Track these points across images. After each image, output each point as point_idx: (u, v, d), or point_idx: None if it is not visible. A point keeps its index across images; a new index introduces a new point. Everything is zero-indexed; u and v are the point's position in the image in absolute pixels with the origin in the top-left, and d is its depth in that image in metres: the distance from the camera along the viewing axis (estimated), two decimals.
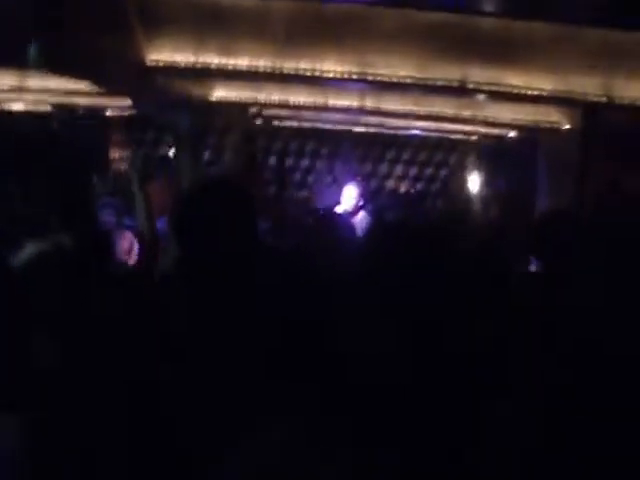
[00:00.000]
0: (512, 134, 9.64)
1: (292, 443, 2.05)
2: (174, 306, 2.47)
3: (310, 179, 11.34)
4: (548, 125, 8.22)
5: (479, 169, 10.66)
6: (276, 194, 9.35)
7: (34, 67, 6.83)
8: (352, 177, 8.87)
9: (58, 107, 8.77)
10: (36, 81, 7.55)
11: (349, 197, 7.71)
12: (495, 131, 9.73)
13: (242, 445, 2.06)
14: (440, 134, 10.60)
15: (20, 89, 7.95)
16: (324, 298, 2.58)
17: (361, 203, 7.73)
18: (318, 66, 6.06)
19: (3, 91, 8.17)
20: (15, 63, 6.75)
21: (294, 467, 2.02)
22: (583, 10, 5.00)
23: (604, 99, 6.34)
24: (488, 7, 5.29)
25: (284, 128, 10.22)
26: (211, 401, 2.15)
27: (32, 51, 6.18)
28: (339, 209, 7.40)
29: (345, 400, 2.15)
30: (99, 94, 8.03)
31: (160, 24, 5.88)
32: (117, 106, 8.82)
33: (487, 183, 10.50)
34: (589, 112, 7.21)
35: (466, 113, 8.23)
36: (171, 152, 7.59)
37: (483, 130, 9.84)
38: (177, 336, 2.34)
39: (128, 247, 5.78)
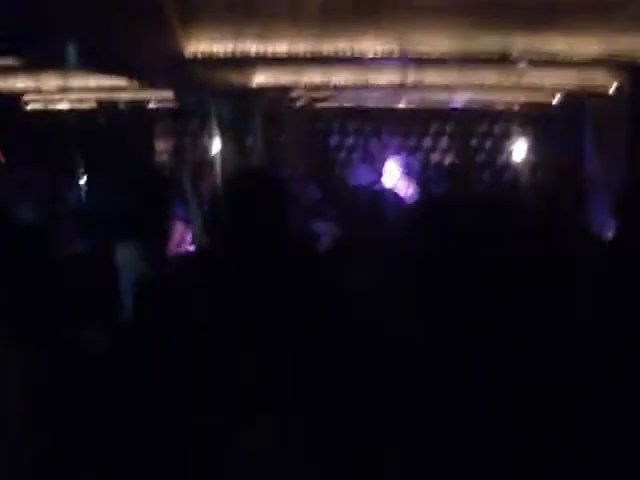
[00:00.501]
0: (557, 100, 9.48)
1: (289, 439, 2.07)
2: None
3: (355, 157, 11.29)
4: (594, 89, 8.06)
5: (525, 138, 10.51)
6: (323, 173, 9.35)
7: (75, 67, 6.93)
8: (395, 152, 8.80)
9: (102, 104, 8.88)
10: (78, 80, 7.63)
11: (392, 172, 7.65)
12: (540, 98, 9.58)
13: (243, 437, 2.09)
14: (484, 105, 10.48)
15: (64, 89, 8.05)
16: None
17: (406, 177, 7.67)
18: (356, 46, 6.01)
19: (49, 92, 8.29)
20: (58, 64, 6.84)
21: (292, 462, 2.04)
22: None
23: None
24: None
25: (327, 109, 10.19)
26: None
27: (72, 52, 6.25)
28: (385, 185, 7.35)
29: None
30: (141, 88, 8.11)
31: (196, 15, 5.87)
32: (160, 99, 8.90)
33: (534, 151, 10.35)
34: (636, 75, 7.04)
35: (509, 81, 8.10)
36: (215, 141, 7.61)
37: (527, 98, 9.70)
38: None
39: (180, 238, 5.81)
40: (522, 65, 6.66)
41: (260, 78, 7.58)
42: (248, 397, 2.16)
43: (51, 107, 9.31)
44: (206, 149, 7.79)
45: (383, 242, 3.25)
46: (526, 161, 10.45)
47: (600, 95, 8.10)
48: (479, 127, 11.49)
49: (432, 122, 11.44)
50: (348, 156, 11.35)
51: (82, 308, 2.73)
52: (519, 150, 10.57)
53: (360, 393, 2.12)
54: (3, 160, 8.32)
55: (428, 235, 2.60)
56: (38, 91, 8.26)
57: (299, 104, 8.79)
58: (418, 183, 8.08)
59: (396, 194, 6.54)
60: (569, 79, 7.98)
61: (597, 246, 3.71)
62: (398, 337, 2.26)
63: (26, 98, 9.13)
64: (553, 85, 8.37)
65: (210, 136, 7.59)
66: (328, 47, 6.02)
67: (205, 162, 7.58)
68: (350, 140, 11.43)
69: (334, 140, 11.24)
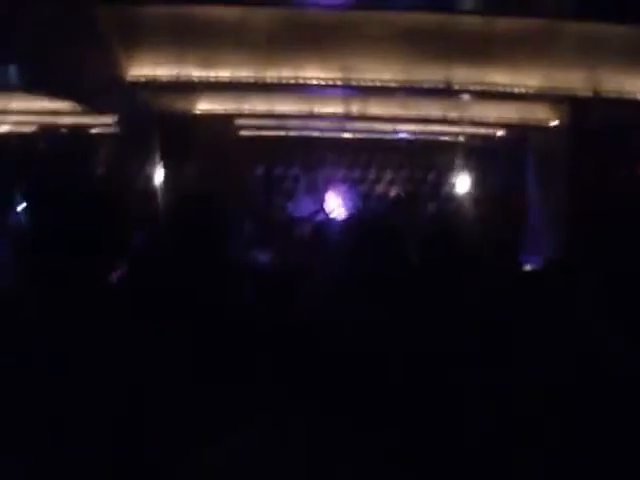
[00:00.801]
0: (500, 133, 9.61)
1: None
2: None
3: (297, 187, 11.26)
4: (536, 122, 8.18)
5: (468, 170, 10.62)
6: (265, 203, 9.32)
7: (15, 89, 6.83)
8: (337, 184, 8.84)
9: (43, 128, 8.73)
10: (19, 103, 7.52)
11: (333, 203, 7.69)
12: (483, 131, 9.70)
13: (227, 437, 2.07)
14: (428, 136, 10.56)
15: (4, 111, 7.93)
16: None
17: (346, 208, 7.72)
18: (300, 74, 6.01)
19: None
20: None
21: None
22: (565, 4, 4.94)
23: (590, 94, 6.29)
24: (468, 5, 5.22)
25: (271, 137, 10.16)
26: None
27: (13, 73, 6.16)
28: (325, 215, 7.38)
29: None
30: (84, 113, 8.02)
31: (140, 39, 5.83)
32: (103, 124, 8.78)
33: (477, 183, 10.45)
34: (576, 107, 7.17)
35: (453, 114, 8.19)
36: (157, 167, 7.54)
37: (471, 130, 9.81)
38: None
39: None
40: (464, 97, 6.74)
41: (204, 105, 7.55)
42: None
43: None
44: (147, 175, 7.72)
45: (321, 269, 3.27)
46: (469, 193, 10.55)
47: (542, 128, 8.22)
48: (424, 159, 11.57)
49: (377, 153, 11.49)
50: (289, 186, 11.32)
51: None
52: (462, 182, 10.67)
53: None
54: None
55: (363, 260, 2.66)
56: None
57: (242, 132, 8.77)
58: (359, 212, 8.12)
59: (336, 223, 6.56)
60: (511, 112, 8.09)
61: (530, 278, 3.78)
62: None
63: None
64: (496, 118, 8.48)
65: (151, 162, 7.52)
66: (272, 74, 6.01)
67: (145, 188, 7.50)
68: (292, 170, 11.42)
69: (276, 170, 11.22)
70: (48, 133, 8.75)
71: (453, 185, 10.98)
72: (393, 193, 11.61)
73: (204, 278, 2.53)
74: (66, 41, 5.40)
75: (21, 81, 6.53)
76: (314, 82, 6.09)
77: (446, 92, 6.28)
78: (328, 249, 4.01)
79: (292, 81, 6.06)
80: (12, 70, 6.25)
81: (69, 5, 4.72)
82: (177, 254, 2.65)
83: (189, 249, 2.64)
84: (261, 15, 5.58)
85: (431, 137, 10.60)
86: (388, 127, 9.58)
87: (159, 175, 7.72)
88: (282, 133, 9.97)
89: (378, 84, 6.08)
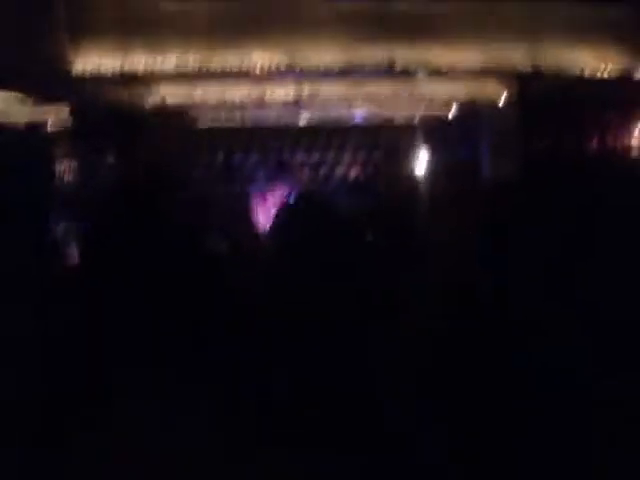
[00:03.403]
0: (452, 111, 9.73)
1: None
2: None
3: (251, 173, 11.28)
4: (486, 99, 8.31)
5: (422, 149, 10.74)
6: (222, 192, 9.34)
7: None
8: (294, 168, 8.91)
9: None
10: None
11: (291, 188, 7.78)
12: (435, 110, 9.82)
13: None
14: (382, 118, 10.66)
15: None
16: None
17: (304, 192, 7.80)
18: (246, 60, 6.07)
19: None
20: None
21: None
22: None
23: (530, 69, 6.43)
24: None
25: (222, 127, 10.19)
26: None
27: None
28: (283, 201, 7.45)
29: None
30: (33, 105, 7.99)
31: (86, 30, 5.86)
32: (56, 120, 8.76)
33: (432, 162, 10.58)
34: (520, 83, 7.32)
35: (403, 93, 8.29)
36: (109, 160, 7.57)
37: (423, 111, 9.92)
38: None
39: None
40: (411, 76, 6.85)
41: (154, 95, 7.57)
42: None
43: None
44: (100, 168, 7.74)
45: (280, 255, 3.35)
46: (424, 172, 10.67)
47: (492, 104, 8.36)
48: (378, 139, 11.65)
49: (331, 136, 11.56)
50: (247, 173, 11.36)
51: None
52: (417, 162, 10.80)
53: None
54: None
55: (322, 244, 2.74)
56: None
57: (194, 122, 8.80)
58: (316, 196, 8.19)
59: (294, 209, 6.63)
60: (461, 90, 8.21)
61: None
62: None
63: None
64: (447, 97, 8.60)
65: (103, 155, 7.54)
66: (217, 61, 6.06)
67: (99, 180, 7.52)
68: (249, 157, 11.45)
69: (233, 158, 11.25)
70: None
71: (407, 164, 11.10)
72: (350, 175, 11.71)
73: (164, 268, 2.59)
74: (10, 30, 5.42)
75: None
76: (260, 68, 6.14)
77: (390, 72, 6.38)
78: (288, 235, 4.08)
79: (238, 68, 6.11)
80: None
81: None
82: (132, 244, 2.70)
83: (144, 238, 2.68)
84: (204, 6, 5.62)
85: (386, 119, 10.70)
86: (341, 111, 9.67)
87: (112, 168, 7.75)
88: (235, 121, 10.01)
89: (323, 68, 6.15)
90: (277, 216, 4.52)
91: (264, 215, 7.43)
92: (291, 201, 6.85)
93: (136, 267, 2.59)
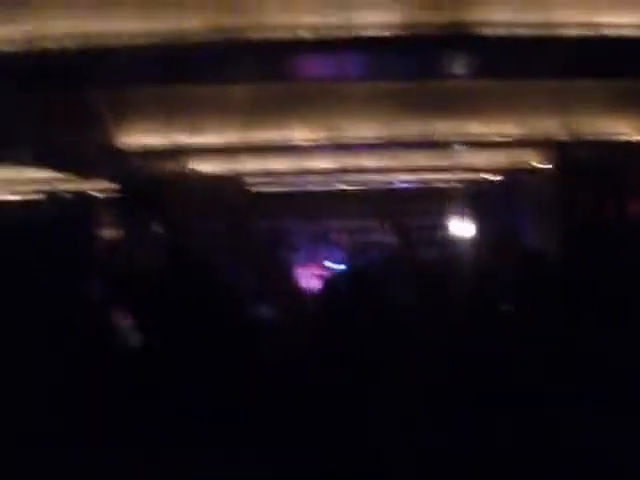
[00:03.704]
0: (491, 178, 9.79)
1: None
2: None
3: (298, 239, 11.40)
4: (524, 166, 8.39)
5: (462, 214, 10.79)
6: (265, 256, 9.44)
7: (18, 163, 7.10)
8: (335, 234, 9.00)
9: (43, 195, 8.96)
10: (17, 173, 7.76)
11: (333, 253, 7.86)
12: (475, 176, 9.89)
13: None
14: (422, 184, 10.76)
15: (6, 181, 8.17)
16: None
17: (345, 257, 7.89)
18: (287, 135, 6.21)
19: None
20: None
21: None
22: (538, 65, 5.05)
23: (568, 138, 6.50)
24: (448, 71, 5.31)
25: (264, 194, 10.36)
26: None
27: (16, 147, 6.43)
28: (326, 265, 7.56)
29: None
30: (82, 179, 8.24)
31: (129, 110, 6.05)
32: (100, 189, 9.00)
33: (471, 227, 10.61)
34: (558, 151, 7.39)
35: (442, 163, 8.40)
36: (155, 228, 7.72)
37: (463, 177, 10.01)
38: None
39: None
40: (447, 148, 6.95)
41: (196, 167, 7.75)
42: None
43: None
44: (145, 237, 7.88)
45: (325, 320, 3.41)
46: (464, 237, 10.70)
47: (530, 171, 8.42)
48: (418, 206, 11.71)
49: (372, 204, 11.65)
50: (287, 240, 11.46)
51: None
52: (457, 226, 10.84)
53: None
54: None
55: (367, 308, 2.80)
56: None
57: (236, 190, 8.96)
58: (354, 262, 8.28)
59: (333, 274, 6.72)
60: (499, 159, 8.29)
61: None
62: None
63: None
64: (485, 165, 8.68)
65: (149, 225, 7.69)
66: (258, 136, 6.20)
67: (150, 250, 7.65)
68: (289, 224, 11.59)
69: (273, 225, 11.39)
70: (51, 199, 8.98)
71: (448, 230, 11.15)
72: (390, 240, 11.76)
73: (213, 333, 2.66)
74: (64, 121, 5.65)
75: (28, 158, 6.84)
76: (302, 143, 6.28)
77: (428, 144, 6.48)
78: (331, 300, 4.13)
79: (280, 143, 6.25)
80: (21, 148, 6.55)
81: (65, 91, 4.95)
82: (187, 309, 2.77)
83: (199, 304, 2.76)
84: (247, 88, 5.74)
85: (424, 185, 10.80)
86: (381, 178, 9.80)
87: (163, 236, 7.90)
88: (278, 189, 10.18)
89: (361, 142, 6.27)
90: (325, 286, 4.59)
91: (307, 281, 7.50)
92: (337, 272, 6.93)
93: (191, 335, 2.66)
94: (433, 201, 11.48)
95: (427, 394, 2.51)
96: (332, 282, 4.71)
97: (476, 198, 10.52)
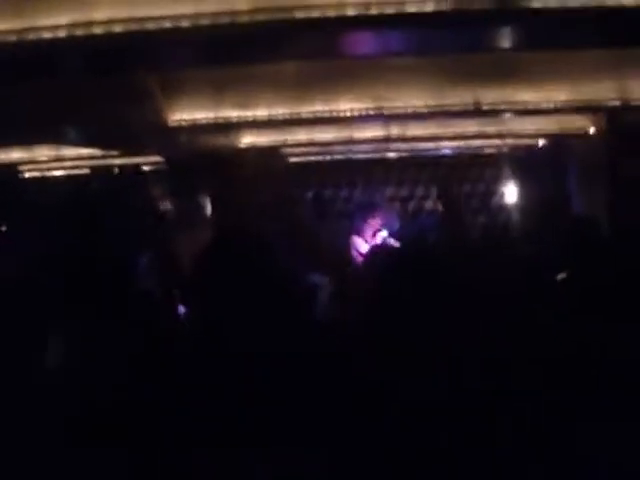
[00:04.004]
0: (541, 143, 9.72)
1: None
2: None
3: (348, 207, 11.47)
4: (575, 132, 8.31)
5: (513, 180, 10.73)
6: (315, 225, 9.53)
7: (72, 144, 7.26)
8: (383, 204, 9.03)
9: (95, 170, 9.15)
10: (71, 150, 7.92)
11: (381, 224, 7.87)
12: (524, 142, 9.83)
13: None
14: (470, 150, 10.72)
15: (58, 158, 8.34)
16: None
17: (395, 228, 7.91)
18: (334, 107, 6.24)
19: (43, 162, 8.56)
20: (54, 139, 7.15)
21: None
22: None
23: (618, 103, 6.43)
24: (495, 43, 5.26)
25: (314, 164, 10.42)
26: None
27: (70, 129, 6.58)
28: (373, 237, 7.59)
29: None
30: (133, 155, 8.39)
31: (180, 89, 6.14)
32: (151, 162, 9.15)
33: (521, 193, 10.55)
34: (608, 116, 7.31)
35: (490, 129, 8.36)
36: (206, 202, 7.86)
37: (512, 142, 9.95)
38: None
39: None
40: (496, 115, 6.92)
41: (245, 140, 7.83)
42: None
43: (46, 175, 9.55)
44: (199, 210, 8.02)
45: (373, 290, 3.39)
46: (515, 203, 10.66)
47: (581, 137, 8.34)
48: (468, 172, 11.69)
49: (421, 170, 11.66)
50: (339, 209, 11.54)
51: None
52: (507, 193, 10.80)
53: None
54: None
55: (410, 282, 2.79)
56: (32, 162, 8.54)
57: (286, 161, 9.04)
58: (407, 233, 8.30)
59: (385, 245, 6.76)
60: (548, 125, 8.22)
61: None
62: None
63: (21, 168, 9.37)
64: (535, 131, 8.61)
65: (199, 198, 7.82)
66: (307, 109, 6.25)
67: (196, 222, 7.79)
68: (339, 193, 11.66)
69: (325, 192, 11.46)
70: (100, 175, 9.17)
71: (499, 196, 11.12)
72: (440, 208, 11.76)
73: (261, 308, 2.69)
74: (115, 101, 5.76)
75: (80, 139, 7.00)
76: (348, 114, 6.31)
77: (477, 113, 6.46)
78: (383, 272, 4.13)
79: (326, 114, 6.29)
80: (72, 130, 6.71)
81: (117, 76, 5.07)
82: (235, 285, 2.79)
83: (243, 279, 2.78)
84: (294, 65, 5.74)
85: (474, 151, 10.76)
86: (430, 145, 9.79)
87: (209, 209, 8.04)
88: (326, 158, 10.24)
89: (409, 111, 6.28)
90: (375, 255, 4.59)
91: (357, 249, 7.54)
92: (389, 242, 6.90)
93: (240, 311, 2.68)
94: (483, 167, 11.47)
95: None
96: (386, 251, 4.70)
97: (526, 164, 10.45)
